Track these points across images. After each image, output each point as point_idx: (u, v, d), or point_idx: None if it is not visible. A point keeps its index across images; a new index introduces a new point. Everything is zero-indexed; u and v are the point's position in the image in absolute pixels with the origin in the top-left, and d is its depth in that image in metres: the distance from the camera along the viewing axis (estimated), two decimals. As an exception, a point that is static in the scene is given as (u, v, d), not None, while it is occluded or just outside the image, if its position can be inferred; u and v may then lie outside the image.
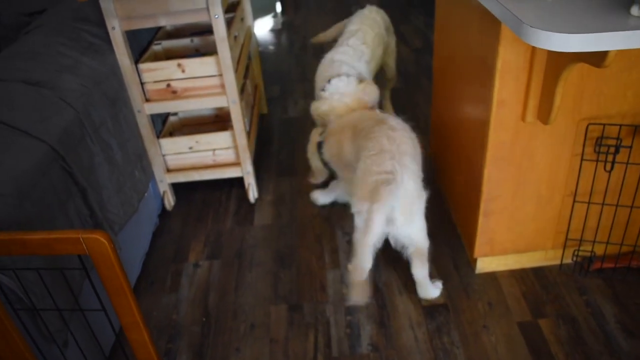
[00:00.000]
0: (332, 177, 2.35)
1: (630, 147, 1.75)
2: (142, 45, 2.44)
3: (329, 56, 2.40)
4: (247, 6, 2.94)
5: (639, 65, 1.61)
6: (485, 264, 2.03)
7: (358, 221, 1.90)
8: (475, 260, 2.03)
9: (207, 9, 2.06)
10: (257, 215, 2.47)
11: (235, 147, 2.42)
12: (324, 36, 2.87)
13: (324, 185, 2.42)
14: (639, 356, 1.70)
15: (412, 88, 3.40)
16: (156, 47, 2.50)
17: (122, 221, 1.98)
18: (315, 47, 4.14)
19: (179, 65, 2.20)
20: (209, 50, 2.56)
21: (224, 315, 1.99)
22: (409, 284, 2.03)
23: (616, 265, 1.96)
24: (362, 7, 2.71)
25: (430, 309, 1.93)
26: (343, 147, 2.04)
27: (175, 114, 2.70)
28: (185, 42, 2.58)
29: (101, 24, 2.17)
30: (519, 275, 2.01)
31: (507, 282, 1.99)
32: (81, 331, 1.60)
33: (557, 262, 2.02)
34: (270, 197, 2.57)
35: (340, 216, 2.37)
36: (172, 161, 2.45)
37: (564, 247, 1.97)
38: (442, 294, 1.97)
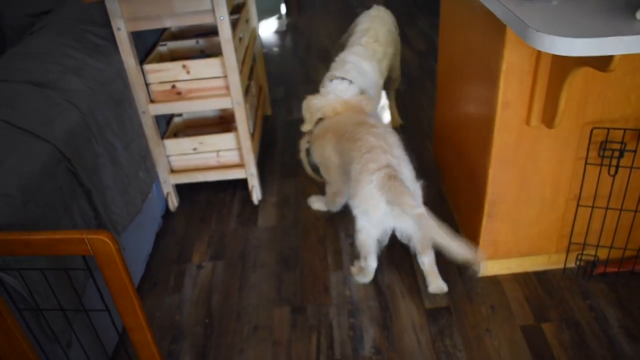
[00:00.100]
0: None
1: (635, 151, 1.75)
2: (147, 46, 2.44)
3: (342, 56, 2.41)
4: (252, 8, 2.94)
5: (644, 70, 1.61)
6: (488, 268, 2.03)
7: (360, 223, 1.91)
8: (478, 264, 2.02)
9: (213, 10, 2.07)
10: (260, 216, 2.47)
11: (240, 149, 2.42)
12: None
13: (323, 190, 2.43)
14: (643, 361, 1.70)
15: (416, 91, 3.40)
16: (161, 48, 2.51)
17: (126, 222, 1.99)
18: (320, 49, 4.14)
19: (184, 66, 2.21)
20: (214, 52, 2.56)
21: (227, 317, 1.99)
22: (412, 286, 2.03)
23: (620, 270, 1.96)
24: (367, 8, 2.72)
25: (433, 312, 1.93)
26: (326, 149, 2.11)
27: (179, 115, 2.70)
28: (190, 43, 2.59)
29: (106, 25, 2.18)
30: (522, 279, 2.01)
31: (510, 285, 1.99)
32: (84, 331, 1.61)
33: (561, 266, 2.02)
34: (274, 199, 2.57)
35: (343, 218, 2.37)
36: (176, 162, 2.45)
37: (568, 251, 1.97)
38: (445, 297, 1.97)
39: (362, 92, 2.28)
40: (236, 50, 2.20)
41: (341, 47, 2.58)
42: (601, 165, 1.78)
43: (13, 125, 1.61)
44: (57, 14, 2.37)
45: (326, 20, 4.75)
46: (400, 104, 3.12)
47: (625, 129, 1.71)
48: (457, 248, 1.63)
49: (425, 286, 2.00)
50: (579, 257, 1.98)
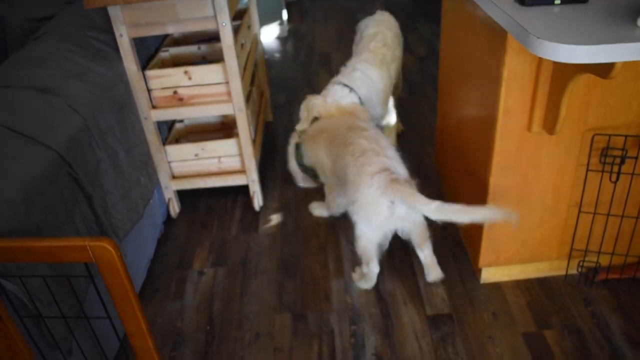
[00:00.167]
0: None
1: (636, 157, 1.75)
2: (150, 52, 2.45)
3: (352, 62, 2.44)
4: (254, 14, 2.95)
5: (646, 76, 1.61)
6: (490, 274, 2.02)
7: (360, 229, 1.91)
8: (480, 270, 2.02)
9: (215, 16, 2.07)
10: (262, 222, 2.47)
11: (241, 155, 2.42)
12: None
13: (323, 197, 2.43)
14: (645, 368, 1.69)
15: (417, 97, 3.40)
16: (163, 54, 2.52)
17: (127, 227, 1.99)
18: (321, 55, 4.15)
19: (185, 72, 2.21)
20: (216, 58, 2.57)
21: (229, 323, 1.98)
22: (413, 293, 2.02)
23: (621, 276, 1.95)
24: (368, 13, 2.73)
25: (434, 318, 1.92)
26: (318, 152, 2.14)
27: (181, 121, 2.71)
28: (192, 49, 2.60)
29: (109, 30, 2.18)
30: (524, 286, 2.01)
31: (512, 292, 1.99)
32: (86, 338, 1.60)
33: (562, 272, 2.02)
34: (276, 205, 2.57)
35: (344, 224, 2.37)
36: (178, 168, 2.45)
37: (569, 257, 1.96)
38: (446, 304, 1.97)
39: (361, 103, 2.31)
40: (238, 56, 2.20)
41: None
42: (602, 171, 1.78)
43: (15, 131, 1.61)
44: (59, 19, 2.38)
45: (327, 26, 4.76)
46: (401, 109, 3.13)
47: (626, 136, 1.71)
48: (488, 215, 1.68)
49: (427, 293, 2.00)
50: (581, 263, 1.98)
